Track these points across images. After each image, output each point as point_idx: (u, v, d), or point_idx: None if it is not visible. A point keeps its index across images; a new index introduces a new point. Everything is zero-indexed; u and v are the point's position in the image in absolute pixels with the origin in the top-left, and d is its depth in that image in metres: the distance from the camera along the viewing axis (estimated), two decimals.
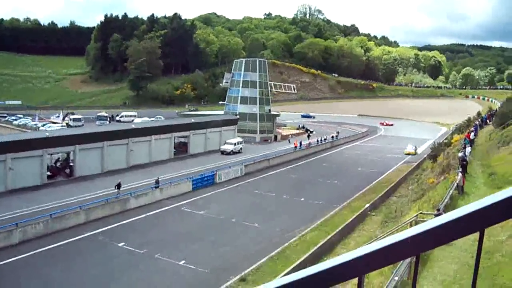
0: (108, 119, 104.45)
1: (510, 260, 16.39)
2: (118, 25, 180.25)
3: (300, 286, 1.46)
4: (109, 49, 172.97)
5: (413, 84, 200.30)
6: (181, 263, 31.69)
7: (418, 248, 1.46)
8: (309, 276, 1.47)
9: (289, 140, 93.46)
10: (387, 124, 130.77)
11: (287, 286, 1.44)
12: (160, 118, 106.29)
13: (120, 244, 34.75)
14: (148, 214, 43.06)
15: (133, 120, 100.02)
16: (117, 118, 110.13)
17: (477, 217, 1.41)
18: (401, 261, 18.62)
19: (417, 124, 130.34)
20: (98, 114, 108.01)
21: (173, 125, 74.90)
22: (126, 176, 55.77)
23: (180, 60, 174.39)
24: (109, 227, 38.81)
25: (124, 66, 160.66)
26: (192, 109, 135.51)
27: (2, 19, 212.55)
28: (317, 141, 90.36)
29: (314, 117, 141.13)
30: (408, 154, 79.89)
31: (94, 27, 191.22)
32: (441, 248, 19.96)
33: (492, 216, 1.40)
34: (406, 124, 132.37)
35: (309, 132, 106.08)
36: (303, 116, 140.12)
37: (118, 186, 47.39)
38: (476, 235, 1.47)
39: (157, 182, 49.93)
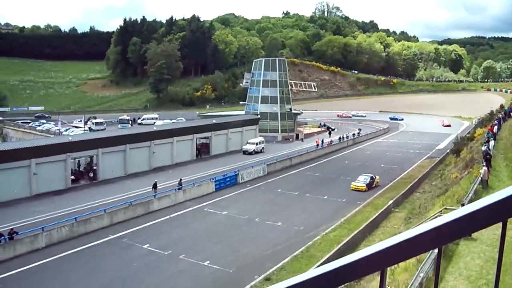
0: (130, 122, 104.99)
1: None
2: (137, 29, 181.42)
3: (324, 280, 1.44)
4: (128, 52, 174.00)
5: (434, 79, 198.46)
6: (206, 263, 31.75)
7: (440, 240, 1.44)
8: (333, 270, 1.47)
9: (301, 138, 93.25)
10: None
11: (311, 280, 1.45)
12: (181, 119, 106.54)
13: (145, 246, 34.94)
14: (171, 215, 43.22)
15: (154, 122, 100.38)
16: (139, 121, 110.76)
17: (499, 207, 1.39)
18: (426, 257, 18.45)
19: (439, 119, 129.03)
20: (120, 117, 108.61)
21: (194, 126, 75.13)
22: (149, 178, 55.97)
23: (199, 61, 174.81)
24: (133, 229, 39.03)
25: (144, 69, 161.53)
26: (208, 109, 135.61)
27: (24, 27, 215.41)
28: (339, 138, 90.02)
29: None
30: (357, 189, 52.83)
31: (113, 32, 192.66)
32: (465, 243, 19.76)
33: None
34: (427, 119, 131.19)
35: (330, 129, 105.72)
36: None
37: (154, 186, 47.98)
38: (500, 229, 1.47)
39: (180, 183, 50.15)
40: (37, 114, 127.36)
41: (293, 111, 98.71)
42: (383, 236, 35.41)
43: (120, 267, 31.31)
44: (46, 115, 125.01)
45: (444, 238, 1.43)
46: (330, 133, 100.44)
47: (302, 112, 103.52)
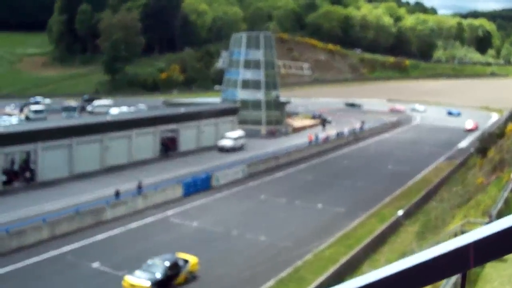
0: (77, 110, 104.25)
1: None
2: None
3: None
4: (76, 23, 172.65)
5: (456, 61, 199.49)
6: None
7: (464, 264, 1.39)
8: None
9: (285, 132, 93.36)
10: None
11: None
12: (142, 107, 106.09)
13: (94, 265, 34.70)
14: (128, 226, 43.03)
15: (108, 110, 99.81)
16: (89, 108, 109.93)
17: None
18: (443, 284, 18.49)
19: (461, 111, 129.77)
20: (64, 104, 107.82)
21: (158, 116, 74.87)
22: (100, 180, 55.68)
23: (165, 36, 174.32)
24: (80, 243, 38.76)
25: (96, 45, 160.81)
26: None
27: None
28: (337, 133, 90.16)
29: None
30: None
31: None
32: (493, 264, 19.84)
33: None
34: (445, 111, 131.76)
35: (325, 122, 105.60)
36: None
37: (117, 194, 47.54)
38: None
39: (139, 187, 49.87)
40: None
41: (281, 99, 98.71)
42: (391, 255, 35.54)
43: None
44: None
45: (469, 261, 1.38)
46: (324, 125, 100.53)
47: (290, 101, 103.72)
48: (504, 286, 17.84)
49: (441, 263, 1.38)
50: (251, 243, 39.73)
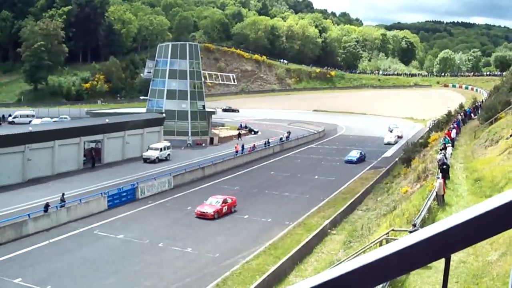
0: None
1: (502, 285, 16.65)
2: (8, 0, 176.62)
3: None
4: None
5: (380, 72, 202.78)
6: None
7: (385, 274, 1.42)
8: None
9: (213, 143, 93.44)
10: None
11: None
12: (65, 118, 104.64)
13: (16, 281, 33.86)
14: (51, 240, 42.19)
15: (30, 121, 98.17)
16: (10, 119, 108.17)
17: (440, 241, 1.38)
18: None
19: (385, 121, 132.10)
20: None
21: (82, 127, 73.90)
22: (22, 192, 54.59)
23: (89, 44, 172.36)
24: (0, 258, 37.84)
25: (17, 53, 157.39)
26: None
27: None
28: (265, 143, 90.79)
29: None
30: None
31: None
32: (417, 271, 20.21)
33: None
34: (371, 121, 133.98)
35: (240, 135, 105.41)
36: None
37: (46, 207, 46.39)
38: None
39: (62, 199, 49.02)
40: None
41: (207, 109, 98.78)
42: (318, 265, 35.83)
43: None
44: None
45: (390, 271, 1.41)
46: (239, 136, 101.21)
47: (215, 112, 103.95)
48: None
49: (366, 271, 1.39)
50: (178, 255, 39.52)
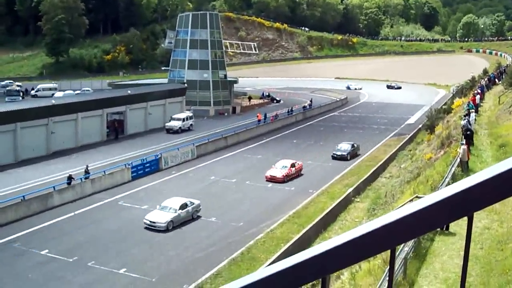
0: (21, 94, 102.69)
1: None
2: None
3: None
4: (16, 4, 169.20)
5: (403, 38, 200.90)
6: (122, 271, 31.45)
7: (390, 241, 1.44)
8: (260, 280, 1.46)
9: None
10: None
11: None
12: (87, 90, 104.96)
13: (43, 252, 34.26)
14: (76, 212, 42.57)
15: (53, 94, 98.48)
16: (32, 92, 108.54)
17: (462, 199, 1.37)
18: (396, 255, 18.77)
19: (408, 87, 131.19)
20: (7, 88, 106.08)
21: (104, 99, 74.19)
22: (46, 165, 55.08)
23: (109, 16, 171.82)
24: (27, 231, 38.16)
25: (38, 26, 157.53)
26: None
27: None
28: (287, 112, 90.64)
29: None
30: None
31: None
32: (442, 238, 20.21)
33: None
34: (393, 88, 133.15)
35: (275, 101, 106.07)
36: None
37: (69, 179, 46.88)
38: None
39: (86, 171, 49.38)
40: None
41: (229, 79, 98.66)
42: (342, 232, 35.73)
43: (12, 280, 30.61)
44: None
45: (394, 238, 1.43)
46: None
47: (237, 80, 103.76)
48: (452, 259, 18.17)
49: (370, 240, 1.42)
50: (202, 224, 39.75)
